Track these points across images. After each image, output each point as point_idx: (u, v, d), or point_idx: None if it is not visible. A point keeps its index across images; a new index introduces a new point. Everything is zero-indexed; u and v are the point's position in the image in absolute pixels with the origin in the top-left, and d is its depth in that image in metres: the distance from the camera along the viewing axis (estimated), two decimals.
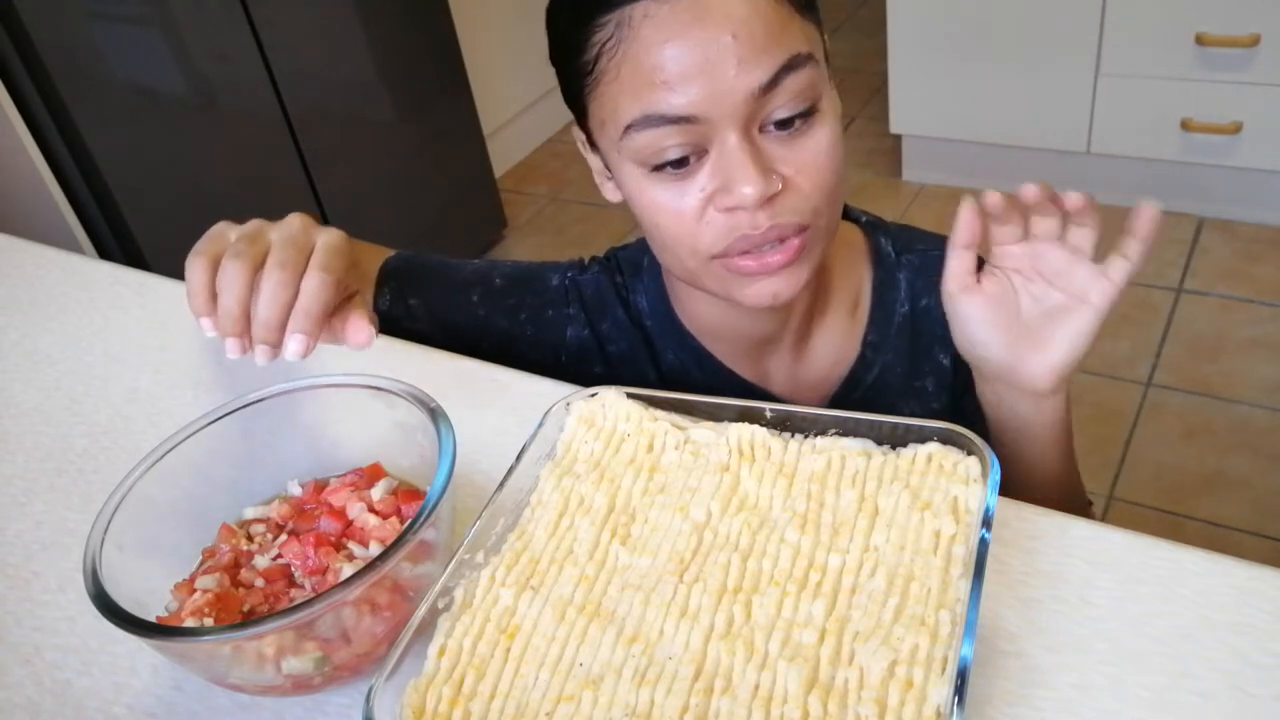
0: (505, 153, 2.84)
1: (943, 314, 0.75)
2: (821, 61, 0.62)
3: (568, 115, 0.68)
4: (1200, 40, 1.98)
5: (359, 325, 0.63)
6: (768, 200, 0.60)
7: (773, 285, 0.64)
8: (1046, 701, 0.47)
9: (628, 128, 0.60)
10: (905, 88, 2.36)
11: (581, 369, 0.80)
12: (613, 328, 0.80)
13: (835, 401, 0.77)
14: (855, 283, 0.77)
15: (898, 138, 2.50)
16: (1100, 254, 0.63)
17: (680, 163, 0.60)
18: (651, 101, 0.58)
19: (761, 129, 0.60)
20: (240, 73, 1.85)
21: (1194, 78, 2.04)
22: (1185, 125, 2.09)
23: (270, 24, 1.86)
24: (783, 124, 0.60)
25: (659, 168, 0.61)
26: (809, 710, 0.42)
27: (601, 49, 0.59)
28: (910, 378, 0.77)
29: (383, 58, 2.13)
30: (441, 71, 2.28)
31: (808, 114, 0.60)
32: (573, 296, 0.80)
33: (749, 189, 0.59)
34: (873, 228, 0.78)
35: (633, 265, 0.80)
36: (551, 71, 0.69)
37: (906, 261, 0.77)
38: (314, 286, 0.59)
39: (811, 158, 0.61)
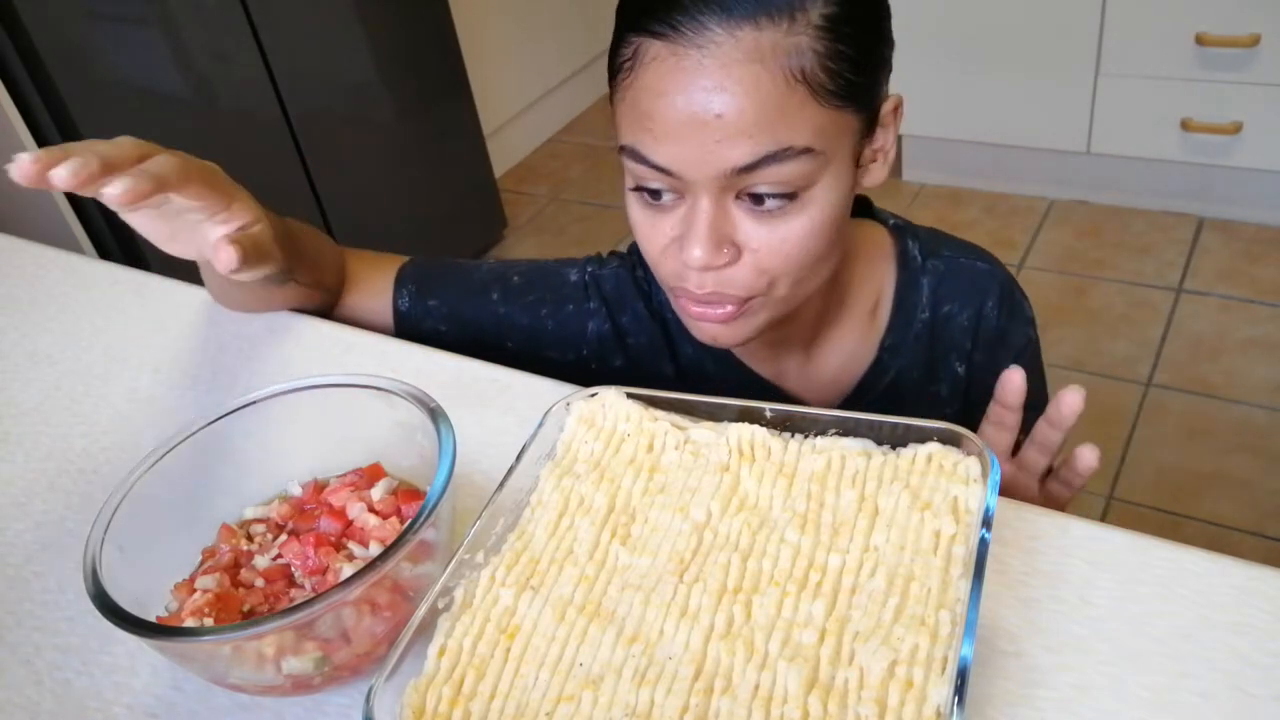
0: (505, 153, 2.84)
1: (963, 322, 0.76)
2: (834, 149, 0.59)
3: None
4: (1200, 40, 1.98)
5: (221, 247, 0.62)
6: (718, 267, 0.61)
7: (712, 331, 0.66)
8: (1046, 701, 0.47)
9: (621, 148, 0.62)
10: (905, 88, 2.34)
11: (603, 363, 0.81)
12: (633, 320, 0.80)
13: (849, 402, 0.77)
14: (876, 285, 0.77)
15: (898, 138, 2.49)
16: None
17: (660, 195, 0.62)
18: (639, 141, 0.60)
19: (739, 196, 0.60)
20: (240, 73, 1.85)
21: (1194, 78, 2.04)
22: (1185, 125, 2.09)
23: (270, 24, 1.86)
24: (759, 201, 0.59)
25: (638, 189, 0.63)
26: (809, 710, 0.42)
27: (622, 65, 0.60)
28: (925, 383, 0.77)
29: (383, 58, 2.14)
30: (441, 71, 2.28)
31: (786, 201, 0.59)
32: (593, 291, 0.81)
33: (697, 252, 0.60)
34: (900, 231, 0.78)
35: None
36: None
37: (931, 267, 0.76)
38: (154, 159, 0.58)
39: (779, 242, 0.61)
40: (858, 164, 0.63)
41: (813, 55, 0.56)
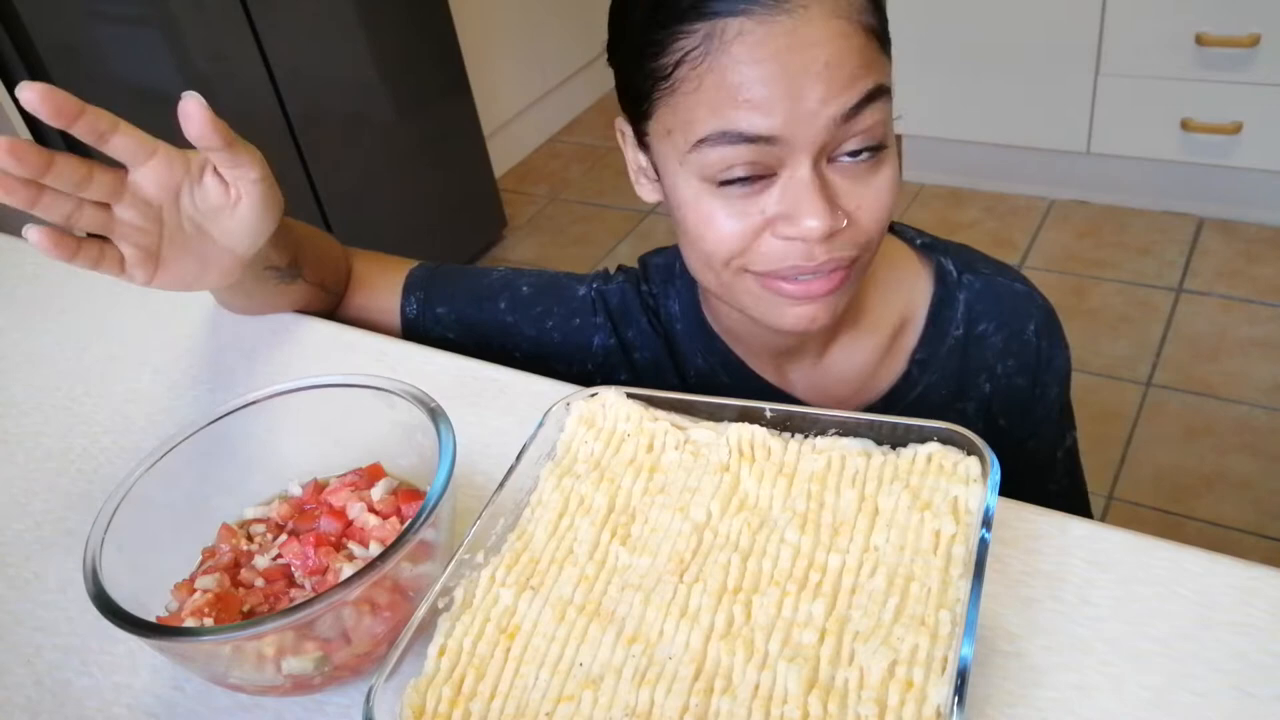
0: (505, 153, 2.84)
1: (997, 343, 0.75)
2: (892, 95, 0.61)
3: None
4: (1200, 40, 1.98)
5: (184, 108, 0.57)
6: (837, 231, 0.60)
7: (811, 310, 0.64)
8: (1046, 701, 0.47)
9: (700, 141, 0.59)
10: (905, 88, 2.34)
11: (609, 377, 0.81)
12: (638, 335, 0.80)
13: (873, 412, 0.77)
14: (903, 302, 0.76)
15: (898, 137, 2.49)
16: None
17: (747, 178, 0.60)
18: (732, 119, 0.57)
19: (831, 160, 0.60)
20: (240, 73, 1.85)
21: (1194, 78, 2.04)
22: (1185, 125, 2.09)
23: (270, 24, 1.86)
24: (853, 157, 0.59)
25: (726, 183, 0.60)
26: (809, 710, 0.42)
27: (685, 56, 0.58)
28: (953, 400, 0.77)
29: (383, 58, 2.13)
30: (441, 71, 2.28)
31: (876, 149, 0.60)
32: (599, 306, 0.81)
33: (815, 222, 0.59)
34: (930, 249, 0.78)
35: (664, 270, 0.80)
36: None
37: (967, 282, 0.76)
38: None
39: (874, 194, 0.61)
40: None
41: (870, 8, 0.59)
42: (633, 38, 0.61)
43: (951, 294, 0.76)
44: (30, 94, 0.54)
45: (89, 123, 0.57)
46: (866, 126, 0.59)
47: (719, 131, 0.58)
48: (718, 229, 0.62)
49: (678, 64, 0.58)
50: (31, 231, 0.56)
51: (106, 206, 0.60)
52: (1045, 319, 0.77)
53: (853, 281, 0.65)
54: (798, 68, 0.56)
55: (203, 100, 0.58)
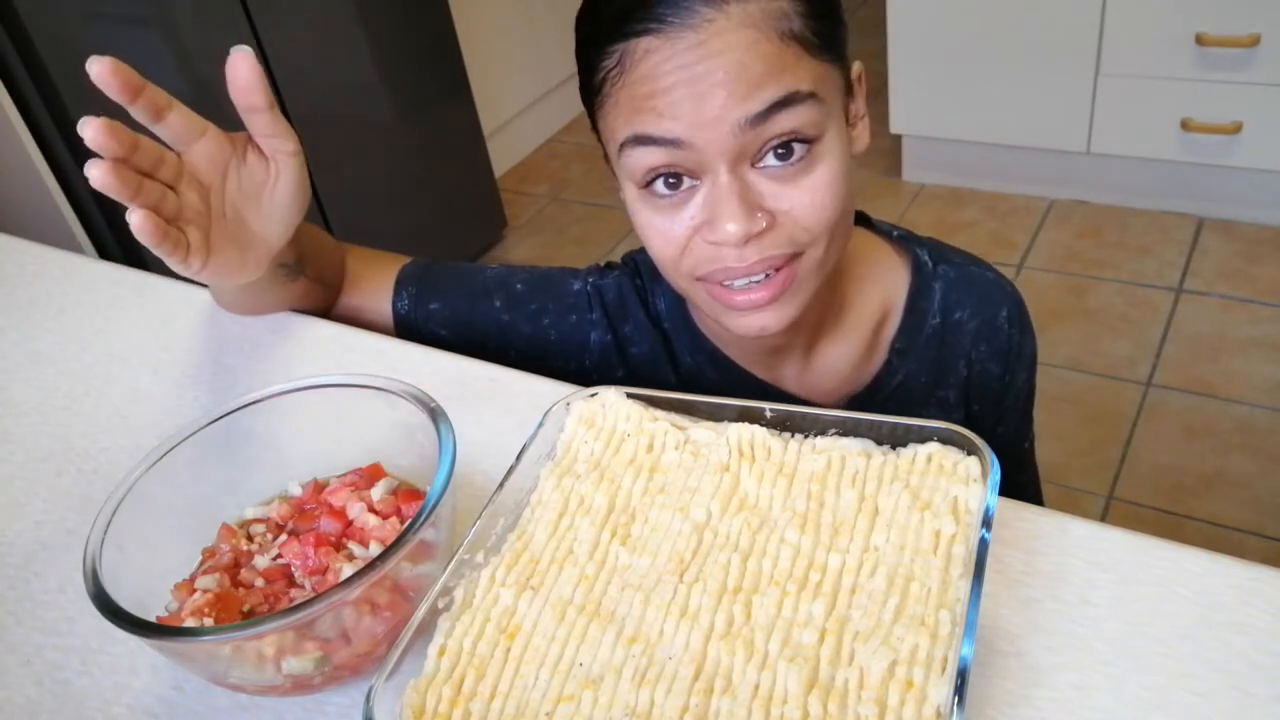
0: (505, 153, 2.84)
1: (971, 329, 0.77)
2: (831, 100, 0.61)
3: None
4: (1200, 40, 1.98)
5: (234, 61, 0.61)
6: (754, 237, 0.61)
7: (760, 319, 0.65)
8: (1046, 701, 0.47)
9: (621, 146, 0.62)
10: (905, 88, 2.35)
11: (605, 374, 0.81)
12: (634, 330, 0.80)
13: (856, 405, 0.77)
14: (882, 294, 0.77)
15: (898, 138, 2.49)
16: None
17: (673, 185, 0.62)
18: (641, 123, 0.60)
19: (755, 164, 0.60)
20: None
21: (1194, 78, 2.04)
22: (1185, 125, 2.09)
23: (270, 24, 1.86)
24: (780, 158, 0.60)
25: (650, 185, 0.62)
26: (809, 710, 0.42)
27: (607, 75, 0.61)
28: (933, 387, 0.78)
29: (383, 58, 2.14)
30: (441, 71, 2.28)
31: (805, 150, 0.60)
32: (594, 301, 0.81)
33: (732, 226, 0.60)
34: (906, 241, 0.79)
35: (652, 268, 0.80)
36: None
37: (942, 272, 0.77)
38: None
39: (806, 195, 0.61)
40: (848, 123, 0.65)
41: (796, 17, 0.59)
42: (579, 52, 0.65)
43: (927, 284, 0.77)
44: (100, 67, 0.57)
45: (149, 98, 0.61)
46: (784, 130, 0.59)
47: (632, 135, 0.61)
48: (653, 234, 0.64)
49: (602, 82, 0.62)
50: (135, 215, 0.57)
51: (174, 191, 0.62)
52: (1015, 307, 0.79)
53: (802, 286, 0.65)
54: (699, 76, 0.58)
55: (252, 55, 0.60)
